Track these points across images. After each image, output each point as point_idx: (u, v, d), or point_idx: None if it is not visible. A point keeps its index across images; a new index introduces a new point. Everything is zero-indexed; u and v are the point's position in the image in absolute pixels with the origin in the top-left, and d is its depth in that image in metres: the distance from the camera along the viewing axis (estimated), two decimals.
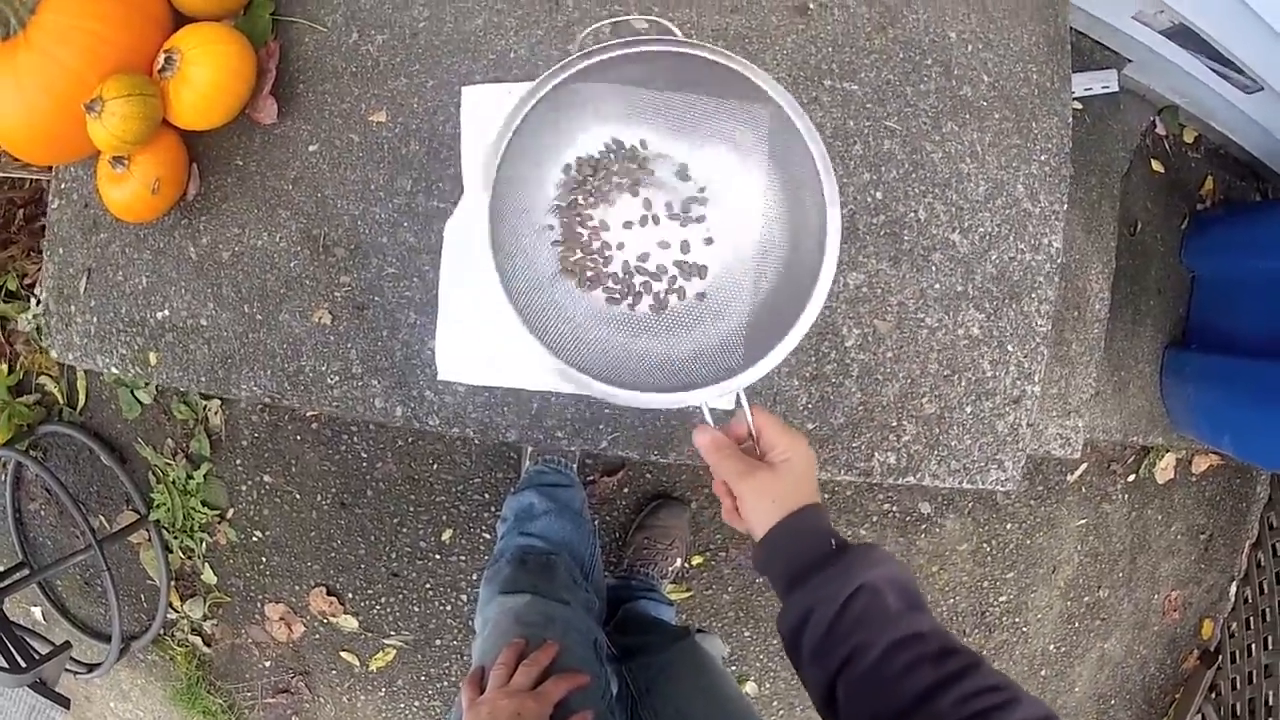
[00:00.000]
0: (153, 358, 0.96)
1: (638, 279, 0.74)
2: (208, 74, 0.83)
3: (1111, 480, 1.44)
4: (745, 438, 0.59)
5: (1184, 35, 1.21)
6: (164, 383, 0.99)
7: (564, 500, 1.01)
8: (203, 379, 0.94)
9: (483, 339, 0.87)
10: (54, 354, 1.00)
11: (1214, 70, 1.26)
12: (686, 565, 1.36)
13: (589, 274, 0.73)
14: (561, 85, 0.64)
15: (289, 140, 0.91)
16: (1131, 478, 1.46)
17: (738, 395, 0.60)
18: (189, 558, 1.47)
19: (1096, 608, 1.47)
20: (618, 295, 0.73)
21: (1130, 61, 1.26)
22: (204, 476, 1.42)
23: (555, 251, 0.73)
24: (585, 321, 0.71)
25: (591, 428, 0.89)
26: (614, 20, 0.77)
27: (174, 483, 1.44)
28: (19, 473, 1.63)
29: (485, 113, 0.86)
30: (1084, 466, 1.42)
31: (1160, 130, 1.39)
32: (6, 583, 1.40)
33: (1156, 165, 1.39)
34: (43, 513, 1.62)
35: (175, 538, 1.47)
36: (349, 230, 0.89)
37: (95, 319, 0.97)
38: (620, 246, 0.75)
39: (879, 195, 0.88)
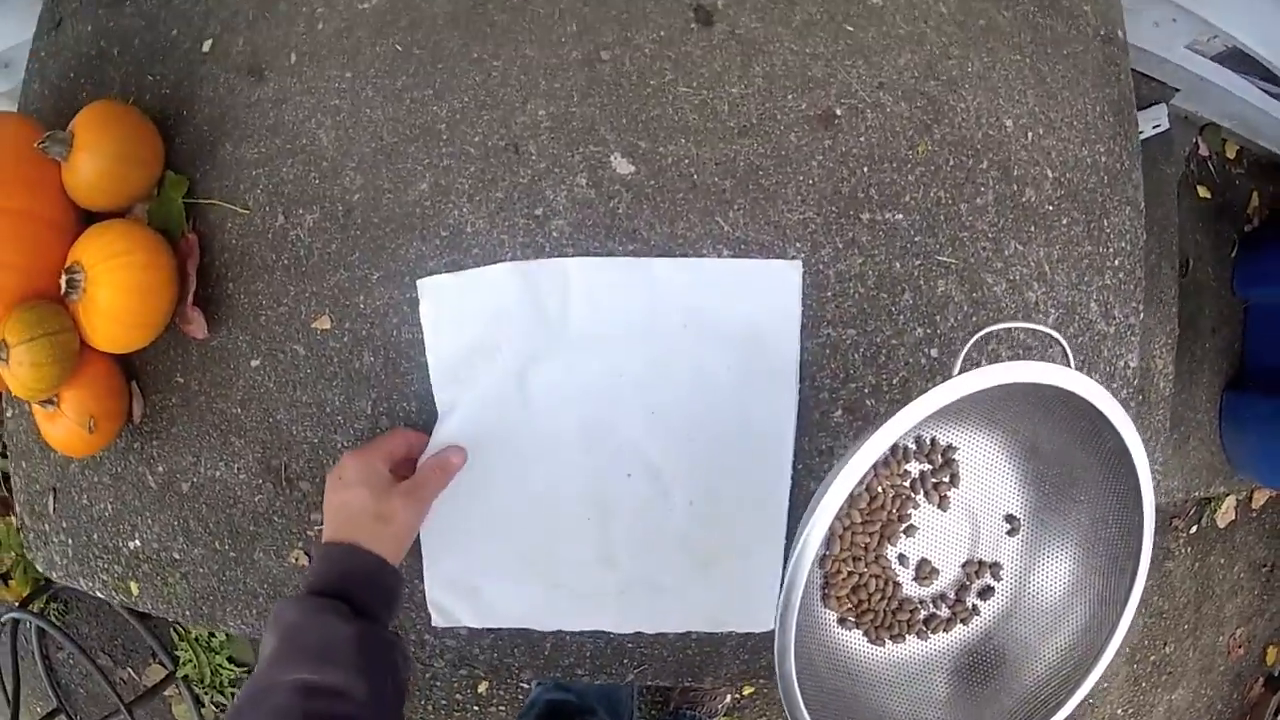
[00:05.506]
0: (134, 587, 0.77)
1: (917, 613, 0.55)
2: (116, 296, 0.62)
3: (1174, 537, 1.24)
4: None
5: (1235, 58, 0.97)
6: (152, 613, 0.80)
7: None
8: (187, 613, 0.75)
9: (478, 581, 0.67)
10: (40, 568, 0.82)
11: (1264, 90, 1.03)
12: (738, 697, 1.16)
13: (861, 609, 0.54)
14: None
15: (228, 354, 0.69)
16: (1194, 529, 1.25)
17: None
18: (222, 711, 1.30)
19: (1163, 664, 1.28)
20: (883, 632, 0.54)
21: (1178, 91, 1.01)
22: (227, 635, 1.23)
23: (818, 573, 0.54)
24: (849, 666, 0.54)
25: (615, 663, 0.69)
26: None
27: (197, 640, 1.26)
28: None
29: (448, 309, 0.63)
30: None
31: (1203, 150, 1.14)
32: None
33: (1203, 191, 1.14)
34: (71, 660, 1.45)
35: (205, 693, 1.29)
36: (310, 461, 0.68)
37: (70, 540, 0.78)
38: (903, 575, 0.56)
39: (934, 353, 0.65)
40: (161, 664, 1.33)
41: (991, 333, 0.63)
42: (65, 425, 0.66)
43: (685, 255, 0.61)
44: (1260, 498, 1.29)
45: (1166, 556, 1.24)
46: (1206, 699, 1.35)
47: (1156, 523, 1.18)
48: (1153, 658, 1.27)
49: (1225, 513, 1.26)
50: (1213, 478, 1.18)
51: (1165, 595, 1.25)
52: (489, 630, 0.67)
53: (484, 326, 0.62)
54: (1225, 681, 1.35)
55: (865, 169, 0.64)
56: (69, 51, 0.77)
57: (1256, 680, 1.37)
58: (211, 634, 1.25)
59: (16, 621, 1.39)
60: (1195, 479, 1.17)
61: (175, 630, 1.28)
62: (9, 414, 0.80)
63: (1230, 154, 1.17)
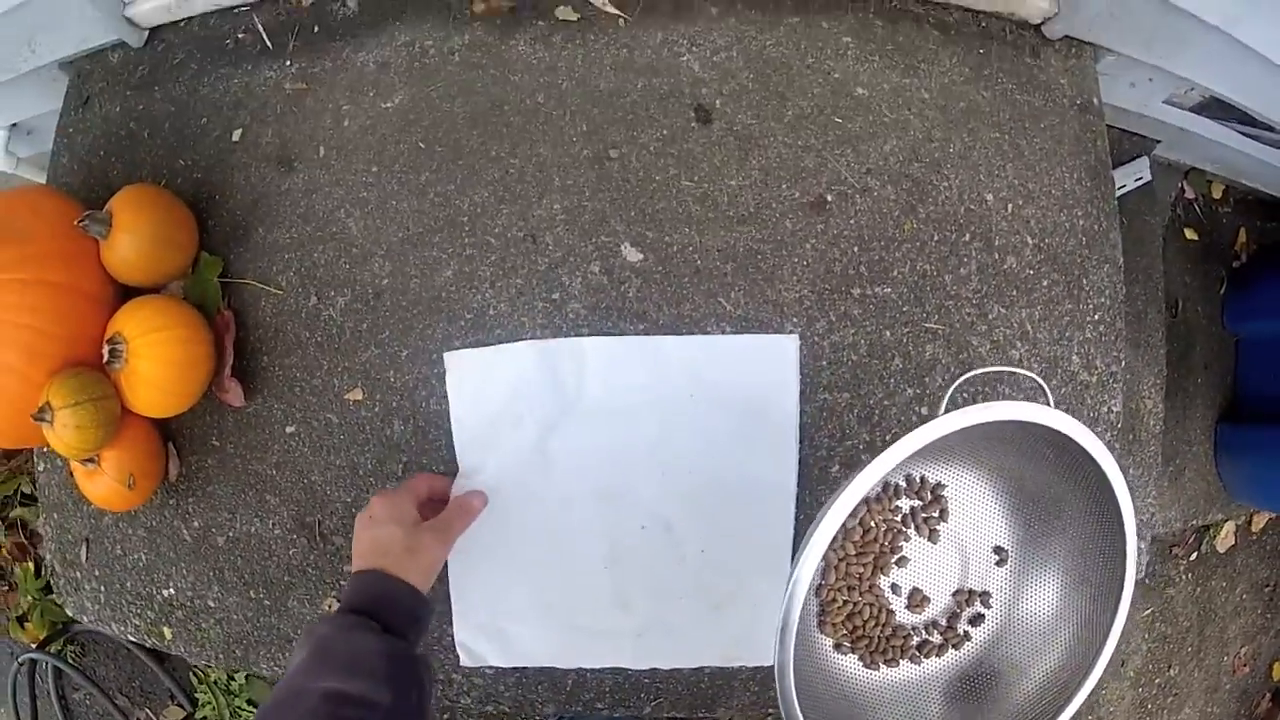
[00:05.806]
0: (167, 632, 0.84)
1: (910, 639, 0.59)
2: (156, 368, 0.70)
3: (1174, 565, 1.31)
4: None
5: (1214, 107, 1.05)
6: (183, 657, 0.87)
7: None
8: (220, 657, 0.82)
9: (503, 624, 0.74)
10: (70, 613, 0.89)
11: (1244, 134, 1.10)
12: None
13: (856, 635, 0.58)
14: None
15: (263, 421, 0.77)
16: (1194, 556, 1.32)
17: None
18: None
19: (1168, 687, 1.35)
20: (877, 657, 0.59)
21: (1159, 142, 1.09)
22: (246, 677, 1.30)
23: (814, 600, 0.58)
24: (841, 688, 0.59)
25: (632, 697, 0.76)
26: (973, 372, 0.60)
27: (216, 683, 1.32)
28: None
29: (472, 382, 0.71)
30: (1145, 561, 1.28)
31: (1189, 194, 1.22)
32: None
33: (1190, 233, 1.22)
34: (88, 700, 1.52)
35: None
36: (344, 518, 0.75)
37: (103, 588, 0.85)
38: (896, 604, 0.60)
39: (924, 411, 0.73)
40: (180, 705, 1.39)
41: (976, 380, 0.70)
42: (105, 483, 0.73)
43: (691, 333, 0.69)
44: (1260, 521, 1.36)
45: (1168, 584, 1.31)
46: (1214, 718, 1.41)
47: (1156, 552, 1.26)
48: (1158, 680, 1.33)
49: (1225, 538, 1.33)
50: (1210, 506, 1.25)
51: (1168, 620, 1.32)
52: (514, 669, 0.75)
53: (506, 398, 0.70)
54: (1232, 699, 1.41)
55: (855, 249, 0.72)
56: (97, 130, 0.84)
57: (1263, 696, 1.43)
58: (231, 676, 1.32)
59: (34, 662, 1.47)
60: (1193, 508, 1.24)
61: (194, 673, 1.35)
62: (40, 467, 0.87)
63: (1216, 194, 1.25)
